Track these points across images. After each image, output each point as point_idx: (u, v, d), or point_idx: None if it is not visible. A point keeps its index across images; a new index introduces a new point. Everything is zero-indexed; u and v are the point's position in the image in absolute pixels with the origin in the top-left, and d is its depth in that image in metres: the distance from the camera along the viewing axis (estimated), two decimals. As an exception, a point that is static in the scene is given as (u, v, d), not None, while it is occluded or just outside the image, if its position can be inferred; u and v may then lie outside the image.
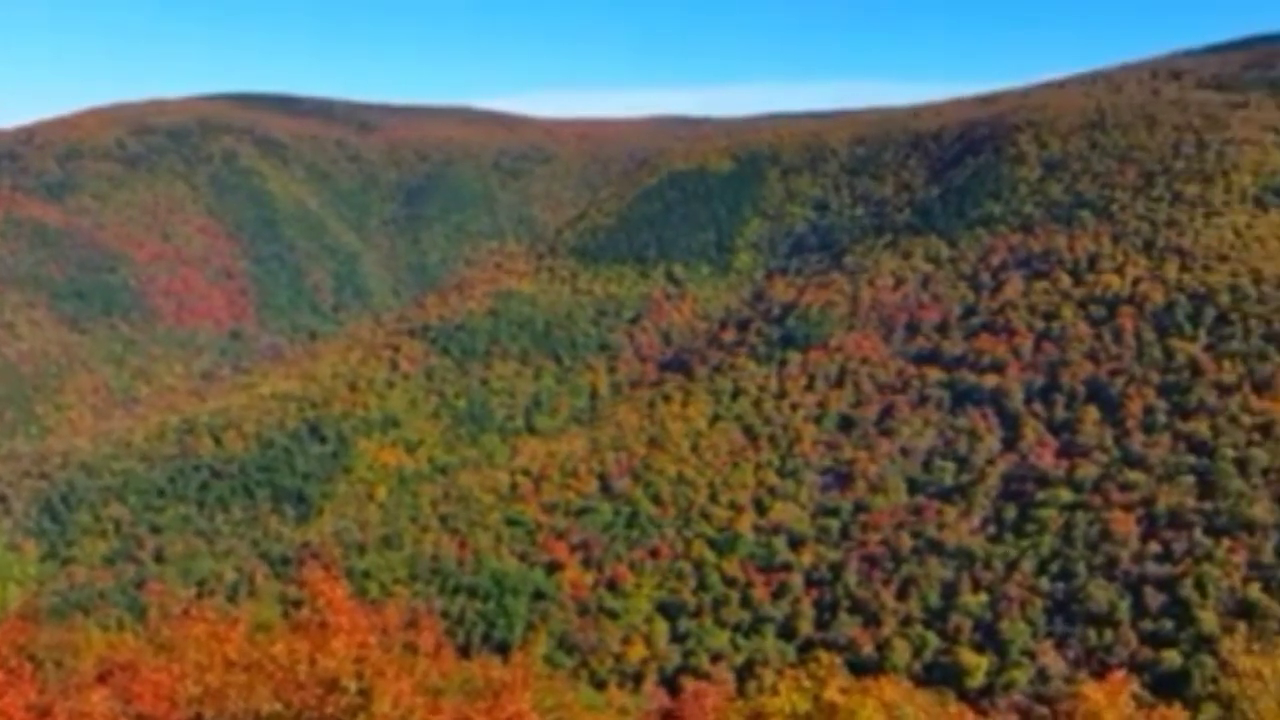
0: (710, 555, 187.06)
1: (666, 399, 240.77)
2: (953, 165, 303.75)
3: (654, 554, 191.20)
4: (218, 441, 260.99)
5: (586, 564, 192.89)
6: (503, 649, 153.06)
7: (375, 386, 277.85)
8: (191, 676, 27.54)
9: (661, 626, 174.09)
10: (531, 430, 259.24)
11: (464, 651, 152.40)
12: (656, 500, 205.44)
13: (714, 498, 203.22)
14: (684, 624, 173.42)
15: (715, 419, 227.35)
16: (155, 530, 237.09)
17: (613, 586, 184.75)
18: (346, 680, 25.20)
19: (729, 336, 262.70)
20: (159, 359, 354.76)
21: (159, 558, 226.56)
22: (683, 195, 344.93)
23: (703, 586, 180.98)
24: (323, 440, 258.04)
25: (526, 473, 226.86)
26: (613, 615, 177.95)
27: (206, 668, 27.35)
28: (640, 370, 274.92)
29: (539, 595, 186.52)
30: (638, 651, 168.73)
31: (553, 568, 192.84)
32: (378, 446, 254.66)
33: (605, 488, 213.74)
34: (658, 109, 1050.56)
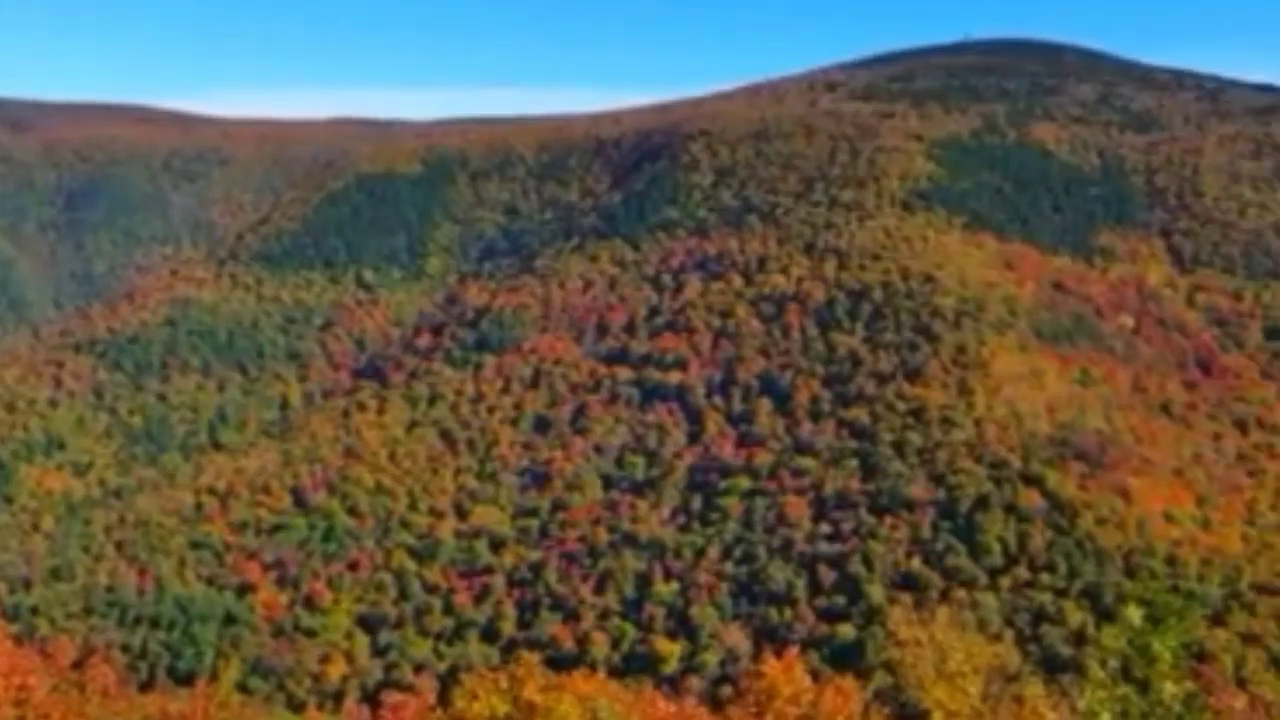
0: (411, 564, 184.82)
1: (361, 407, 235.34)
2: (633, 171, 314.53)
3: (353, 567, 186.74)
4: None
5: (281, 583, 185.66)
6: (190, 680, 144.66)
7: (37, 406, 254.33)
8: None
9: (362, 641, 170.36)
10: (217, 446, 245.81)
11: (146, 686, 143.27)
12: (354, 512, 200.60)
13: (413, 505, 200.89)
14: (385, 636, 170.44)
15: (412, 425, 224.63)
16: None
17: (310, 604, 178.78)
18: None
19: (423, 342, 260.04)
20: None
21: None
22: (371, 198, 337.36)
23: (404, 596, 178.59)
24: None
25: (213, 491, 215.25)
26: (310, 634, 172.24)
27: None
28: (333, 379, 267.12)
29: (230, 620, 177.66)
30: (337, 669, 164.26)
31: (244, 589, 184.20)
32: (41, 471, 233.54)
33: (299, 502, 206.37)
34: (341, 110, 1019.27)
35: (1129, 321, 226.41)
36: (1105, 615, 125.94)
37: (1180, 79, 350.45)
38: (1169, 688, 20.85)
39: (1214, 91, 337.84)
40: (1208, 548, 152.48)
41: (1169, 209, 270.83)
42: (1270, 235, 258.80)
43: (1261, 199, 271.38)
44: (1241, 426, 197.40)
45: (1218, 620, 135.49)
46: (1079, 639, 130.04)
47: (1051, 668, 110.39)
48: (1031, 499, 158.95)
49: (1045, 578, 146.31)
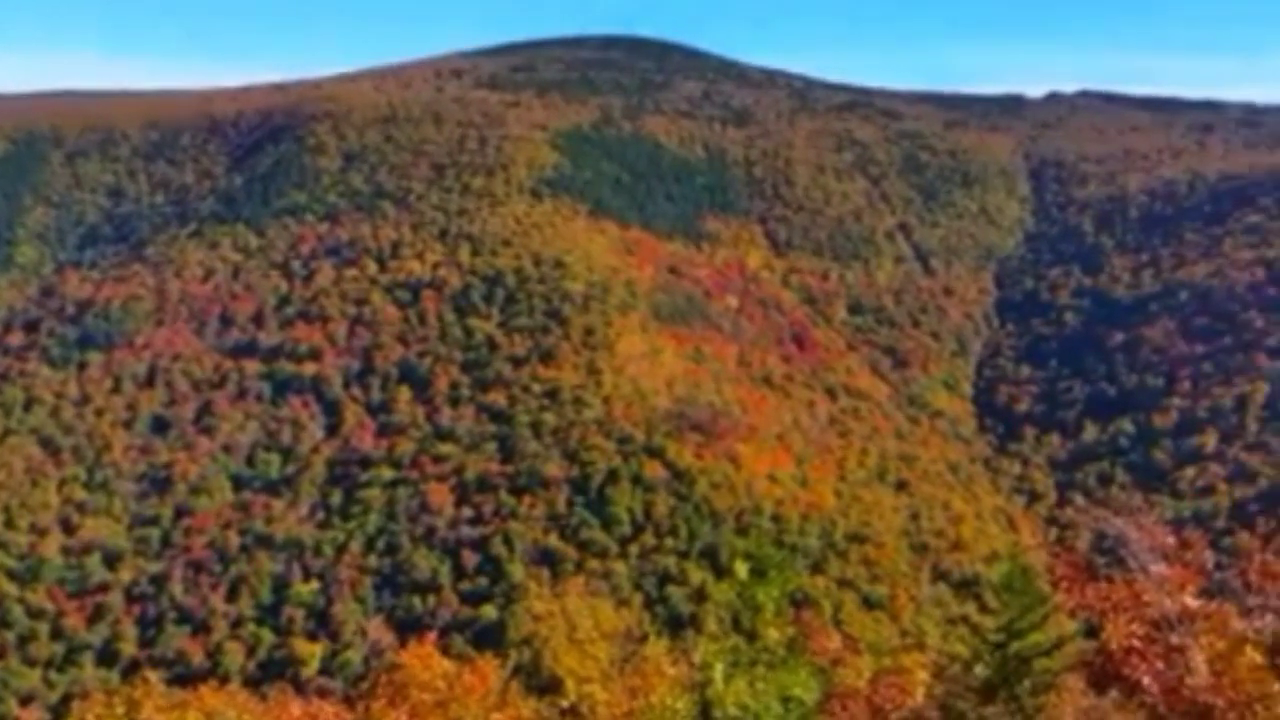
0: (11, 588, 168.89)
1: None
2: (254, 153, 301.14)
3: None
4: None
5: None
6: None
7: None
8: None
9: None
10: None
11: None
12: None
13: (10, 522, 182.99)
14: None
15: (6, 434, 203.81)
16: None
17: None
18: None
19: (16, 340, 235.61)
20: None
21: None
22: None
23: (4, 623, 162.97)
24: None
25: None
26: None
27: None
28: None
29: None
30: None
31: None
32: None
33: None
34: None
35: (734, 301, 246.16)
36: (721, 573, 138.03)
37: (773, 78, 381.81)
38: (772, 634, 23.08)
39: (802, 90, 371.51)
40: (806, 504, 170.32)
41: (765, 198, 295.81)
42: (851, 221, 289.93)
43: (844, 188, 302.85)
44: (831, 394, 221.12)
45: (816, 569, 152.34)
46: (700, 597, 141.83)
47: (676, 626, 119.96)
48: (655, 470, 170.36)
49: (669, 542, 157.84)
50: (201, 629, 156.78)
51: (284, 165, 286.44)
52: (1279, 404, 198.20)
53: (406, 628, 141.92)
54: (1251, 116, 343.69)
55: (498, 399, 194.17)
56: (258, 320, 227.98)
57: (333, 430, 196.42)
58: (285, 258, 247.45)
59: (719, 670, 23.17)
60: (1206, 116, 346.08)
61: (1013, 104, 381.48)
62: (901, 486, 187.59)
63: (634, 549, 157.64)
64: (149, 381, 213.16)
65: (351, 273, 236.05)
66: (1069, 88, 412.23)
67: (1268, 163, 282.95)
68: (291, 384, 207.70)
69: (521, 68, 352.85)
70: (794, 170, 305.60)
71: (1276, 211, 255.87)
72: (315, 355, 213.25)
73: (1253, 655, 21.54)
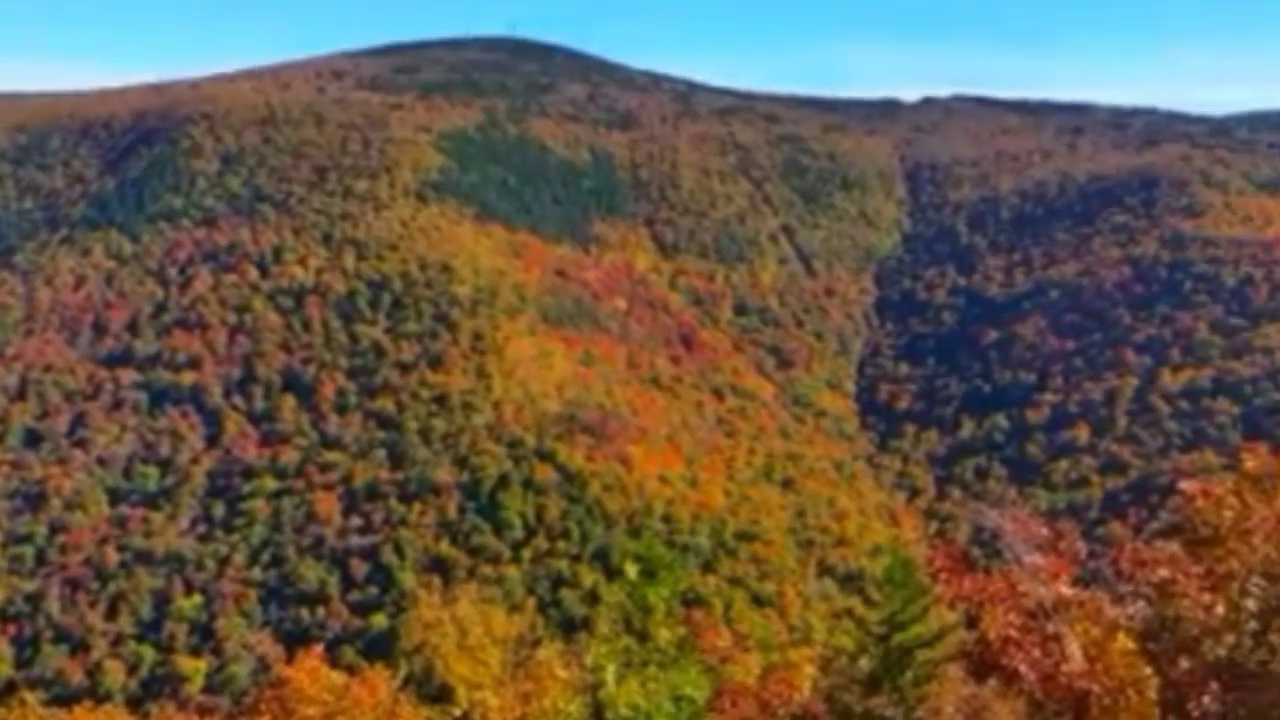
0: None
1: None
2: (127, 155, 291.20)
3: None
4: None
5: None
6: None
7: None
8: None
9: None
10: None
11: None
12: None
13: None
14: None
15: None
16: None
17: None
18: None
19: None
20: None
21: None
22: None
23: None
24: None
25: None
26: None
27: None
28: None
29: None
30: None
31: None
32: None
33: None
34: None
35: (622, 304, 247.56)
36: (613, 574, 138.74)
37: (657, 81, 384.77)
38: (664, 634, 23.67)
39: (685, 94, 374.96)
40: (697, 504, 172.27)
41: (652, 200, 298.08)
42: (736, 223, 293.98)
43: (728, 191, 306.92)
44: (719, 394, 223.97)
45: (707, 568, 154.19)
46: (593, 599, 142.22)
47: (570, 629, 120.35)
48: (546, 473, 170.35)
49: (562, 545, 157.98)
50: (80, 648, 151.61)
51: (159, 168, 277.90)
52: (1147, 398, 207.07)
53: (294, 640, 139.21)
54: (1119, 119, 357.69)
55: (386, 405, 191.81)
56: (133, 329, 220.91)
57: (213, 440, 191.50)
58: (161, 264, 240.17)
59: (611, 672, 23.56)
60: (1076, 119, 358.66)
61: (889, 108, 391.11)
62: (788, 484, 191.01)
63: (526, 553, 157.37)
64: (20, 394, 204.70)
65: (231, 279, 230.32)
66: (943, 91, 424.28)
67: (1134, 164, 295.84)
68: (169, 394, 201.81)
69: (404, 69, 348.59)
70: (679, 173, 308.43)
71: (1143, 211, 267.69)
72: (194, 364, 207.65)
73: (1125, 641, 22.14)
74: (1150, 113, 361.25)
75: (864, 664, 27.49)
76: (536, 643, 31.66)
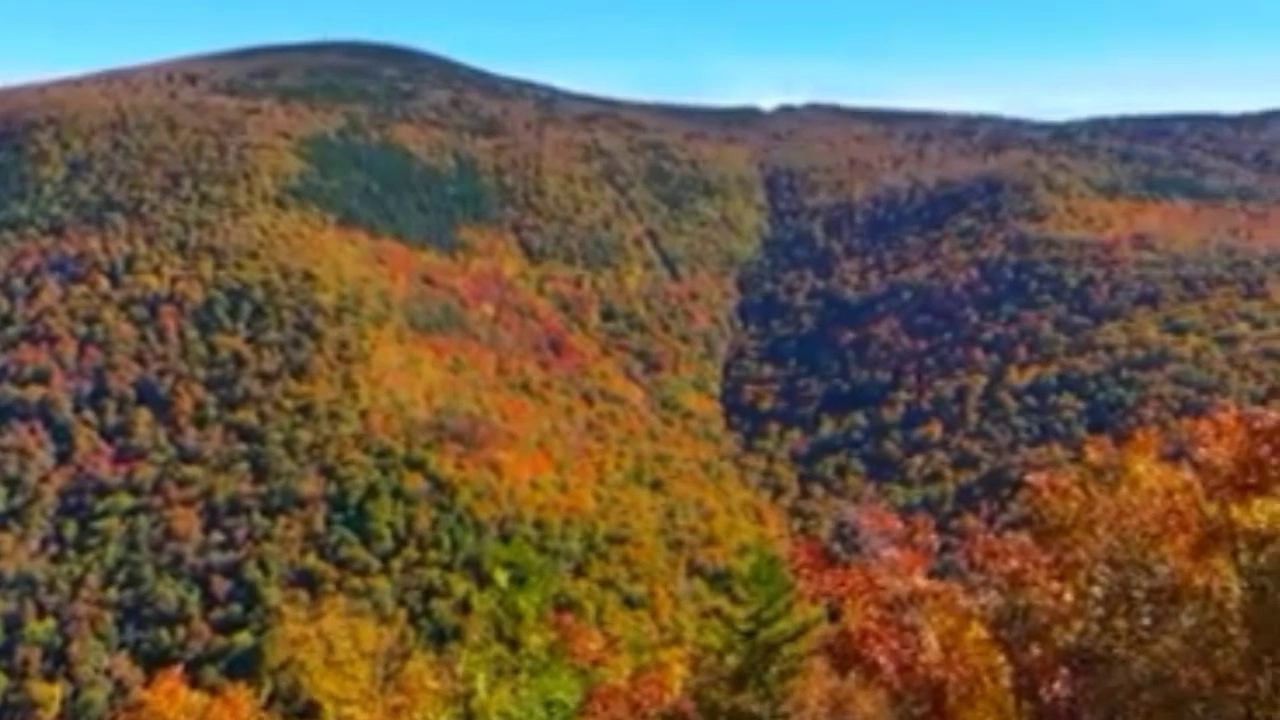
0: None
1: None
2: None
3: None
4: None
5: None
6: None
7: None
8: None
9: None
10: None
11: None
12: None
13: None
14: None
15: None
16: None
17: None
18: None
19: None
20: None
21: None
22: None
23: None
24: None
25: None
26: None
27: None
28: None
29: None
30: None
31: None
32: None
33: None
34: None
35: (490, 310, 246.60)
36: (485, 582, 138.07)
37: (520, 88, 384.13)
38: (534, 640, 23.88)
39: (549, 100, 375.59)
40: (567, 508, 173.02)
41: (518, 206, 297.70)
42: (600, 228, 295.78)
43: (592, 196, 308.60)
44: (588, 399, 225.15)
45: (579, 572, 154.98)
46: (465, 608, 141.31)
47: (442, 639, 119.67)
48: (416, 482, 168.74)
49: (433, 554, 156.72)
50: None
51: (3, 175, 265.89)
52: (995, 394, 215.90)
53: (153, 663, 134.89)
54: (965, 126, 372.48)
55: (248, 417, 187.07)
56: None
57: (64, 457, 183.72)
58: (6, 275, 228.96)
59: (482, 680, 23.83)
60: (924, 126, 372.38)
61: (747, 115, 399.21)
62: (657, 486, 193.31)
63: (396, 564, 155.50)
64: None
65: (80, 289, 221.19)
66: (798, 99, 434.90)
67: (979, 169, 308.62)
68: (16, 409, 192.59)
69: (261, 74, 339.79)
70: (544, 180, 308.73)
71: (989, 215, 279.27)
72: (42, 378, 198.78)
73: (978, 630, 23.21)
74: (995, 120, 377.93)
75: (731, 661, 27.97)
76: (407, 654, 31.58)
